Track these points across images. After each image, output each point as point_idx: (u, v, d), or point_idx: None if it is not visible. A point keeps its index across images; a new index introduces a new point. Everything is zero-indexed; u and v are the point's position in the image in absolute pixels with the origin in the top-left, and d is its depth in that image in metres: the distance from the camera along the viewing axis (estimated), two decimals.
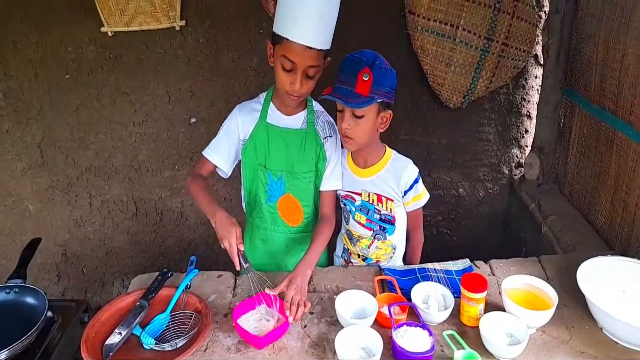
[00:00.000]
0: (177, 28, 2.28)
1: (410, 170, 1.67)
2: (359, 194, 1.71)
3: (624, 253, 1.73)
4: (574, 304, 1.46)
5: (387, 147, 1.72)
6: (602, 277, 1.47)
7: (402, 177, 1.66)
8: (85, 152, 2.54)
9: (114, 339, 1.30)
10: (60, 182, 2.58)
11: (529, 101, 2.51)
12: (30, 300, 1.42)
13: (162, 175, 2.61)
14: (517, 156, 2.63)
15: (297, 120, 1.66)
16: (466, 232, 2.78)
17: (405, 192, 1.68)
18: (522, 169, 2.58)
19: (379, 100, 1.51)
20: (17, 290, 1.44)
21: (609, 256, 1.54)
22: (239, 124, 1.65)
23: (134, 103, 2.46)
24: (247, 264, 1.44)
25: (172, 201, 2.68)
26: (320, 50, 1.45)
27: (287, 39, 1.43)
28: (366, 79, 1.46)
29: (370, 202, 1.70)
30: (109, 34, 2.27)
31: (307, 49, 1.42)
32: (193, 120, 2.50)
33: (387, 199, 1.68)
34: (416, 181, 1.68)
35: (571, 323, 1.40)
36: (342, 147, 1.71)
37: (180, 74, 2.40)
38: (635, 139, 1.71)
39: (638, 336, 1.27)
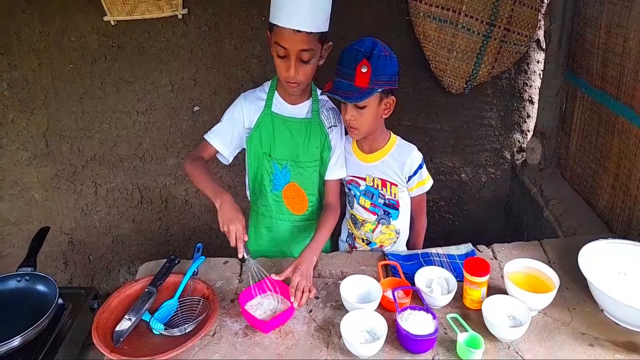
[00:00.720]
0: (180, 16, 2.27)
1: (414, 155, 1.69)
2: (364, 179, 1.73)
3: (625, 236, 1.75)
4: (575, 287, 1.48)
5: (392, 133, 1.73)
6: (603, 259, 1.50)
7: (406, 162, 1.67)
8: (90, 141, 2.55)
9: (124, 324, 1.33)
10: (66, 171, 2.60)
11: (531, 86, 2.50)
12: (41, 287, 1.45)
13: (166, 163, 2.63)
14: (519, 141, 2.63)
15: (302, 110, 1.67)
16: (468, 216, 2.80)
17: (410, 178, 1.70)
18: (524, 153, 2.59)
19: (379, 90, 1.51)
20: (27, 278, 1.47)
21: (610, 239, 1.56)
22: (244, 112, 1.65)
23: (138, 92, 2.46)
24: (248, 255, 1.45)
25: (177, 189, 2.70)
26: (311, 33, 1.44)
27: (277, 25, 1.44)
28: (364, 71, 1.46)
29: (375, 186, 1.72)
30: (112, 23, 2.26)
31: (296, 33, 1.42)
32: (196, 108, 2.51)
33: (392, 184, 1.70)
34: (420, 167, 1.69)
35: (572, 305, 1.43)
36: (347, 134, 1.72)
37: (183, 63, 2.40)
38: (636, 123, 1.71)
39: (638, 317, 1.30)
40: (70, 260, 2.79)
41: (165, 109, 2.51)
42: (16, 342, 1.26)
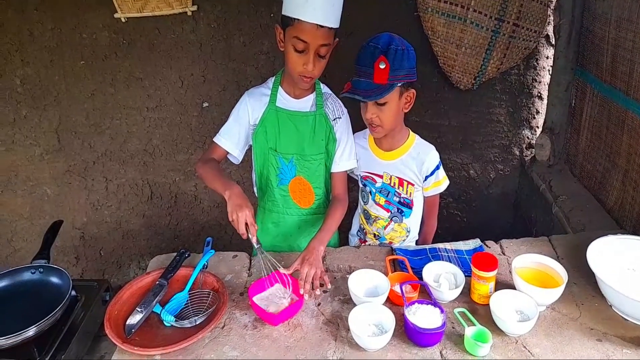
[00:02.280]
0: (189, 13, 2.29)
1: (432, 155, 1.69)
2: (381, 176, 1.73)
3: (634, 232, 1.74)
4: (583, 282, 1.48)
5: (411, 132, 1.73)
6: (611, 255, 1.49)
7: (425, 162, 1.68)
8: (101, 137, 2.58)
9: (136, 316, 1.35)
10: (77, 166, 2.64)
11: (540, 82, 2.49)
12: (54, 279, 1.48)
13: (176, 159, 2.66)
14: (528, 137, 2.63)
15: (306, 103, 1.68)
16: (477, 213, 2.80)
17: (427, 177, 1.70)
18: (533, 150, 2.58)
19: (399, 85, 1.52)
20: (42, 270, 1.50)
21: (619, 235, 1.55)
22: (249, 109, 1.67)
23: (148, 88, 2.49)
24: (259, 245, 1.46)
25: (186, 184, 2.73)
26: (331, 28, 1.46)
27: (298, 20, 1.44)
28: (383, 67, 1.46)
29: (392, 184, 1.72)
30: (122, 19, 2.29)
31: (319, 28, 1.43)
32: (205, 104, 2.53)
33: (409, 183, 1.70)
34: (437, 167, 1.70)
35: (581, 300, 1.42)
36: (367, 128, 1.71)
37: (192, 59, 2.43)
38: None
39: None
40: (81, 255, 2.83)
41: (175, 105, 2.53)
42: (31, 332, 1.28)
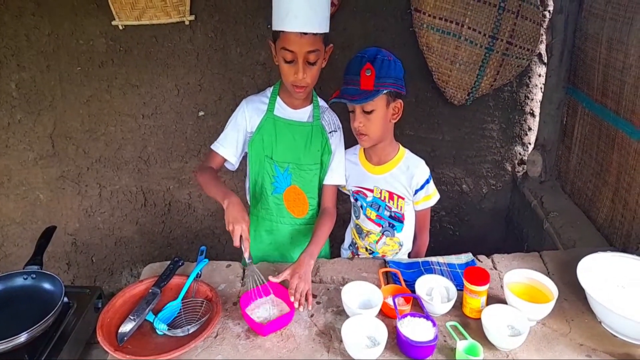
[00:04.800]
0: (187, 22, 2.31)
1: (422, 169, 1.71)
2: (371, 190, 1.75)
3: (624, 249, 1.76)
4: (574, 298, 1.50)
5: (400, 146, 1.76)
6: (601, 272, 1.51)
7: (414, 176, 1.70)
8: (96, 143, 2.58)
9: (128, 324, 1.35)
10: (71, 172, 2.63)
11: (532, 99, 2.53)
12: (47, 286, 1.47)
13: (171, 166, 2.66)
14: (520, 153, 2.66)
15: (303, 114, 1.70)
16: (469, 227, 2.82)
17: (416, 191, 1.72)
18: (525, 166, 2.62)
19: (384, 92, 1.55)
20: (34, 276, 1.49)
21: (609, 252, 1.58)
22: (247, 116, 1.69)
23: (144, 96, 2.50)
24: (250, 260, 1.48)
25: (180, 192, 2.72)
26: (317, 34, 1.49)
27: (282, 31, 1.48)
28: (369, 74, 1.50)
29: (382, 198, 1.74)
30: (120, 27, 2.30)
31: (303, 35, 1.47)
32: (201, 113, 2.54)
33: (399, 196, 1.72)
34: (427, 181, 1.71)
35: (571, 316, 1.44)
36: (358, 144, 1.75)
37: (189, 68, 2.44)
38: (636, 138, 1.74)
39: (636, 330, 1.31)
40: (73, 261, 2.81)
41: (171, 113, 2.54)
42: (22, 338, 1.28)
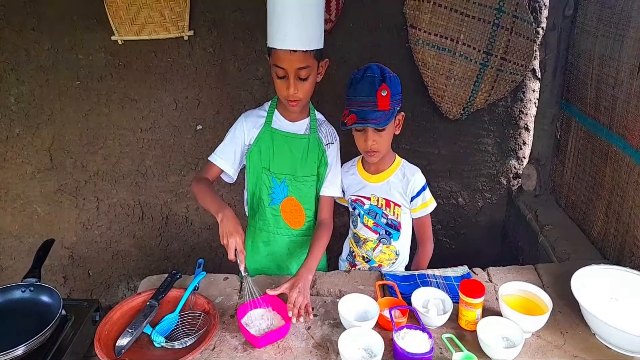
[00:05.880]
0: (186, 38, 2.34)
1: (417, 177, 1.74)
2: (369, 198, 1.77)
3: (617, 262, 1.78)
4: (568, 311, 1.51)
5: (397, 155, 1.79)
6: (595, 285, 1.53)
7: (410, 183, 1.73)
8: (94, 156, 2.59)
9: (126, 337, 1.35)
10: (69, 185, 2.64)
11: (526, 114, 2.57)
12: (45, 298, 1.47)
13: (168, 180, 2.67)
14: (514, 167, 2.69)
15: (300, 127, 1.73)
16: (465, 240, 2.84)
17: (413, 199, 1.74)
18: (520, 179, 2.64)
19: (397, 109, 1.59)
20: (32, 289, 1.49)
21: (602, 265, 1.59)
22: (245, 129, 1.72)
23: (142, 110, 2.52)
24: (246, 273, 1.49)
25: (178, 206, 2.73)
26: (307, 51, 1.52)
27: (274, 48, 1.53)
28: (385, 94, 1.54)
29: (379, 206, 1.76)
30: (119, 42, 2.33)
31: (292, 53, 1.51)
32: (199, 127, 2.56)
33: (395, 204, 1.75)
34: (424, 188, 1.75)
35: (565, 328, 1.45)
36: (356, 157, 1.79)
37: (187, 82, 2.47)
38: (628, 153, 1.77)
39: (629, 342, 1.33)
40: (69, 275, 2.80)
41: (169, 127, 2.56)
42: (20, 350, 1.27)
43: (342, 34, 2.37)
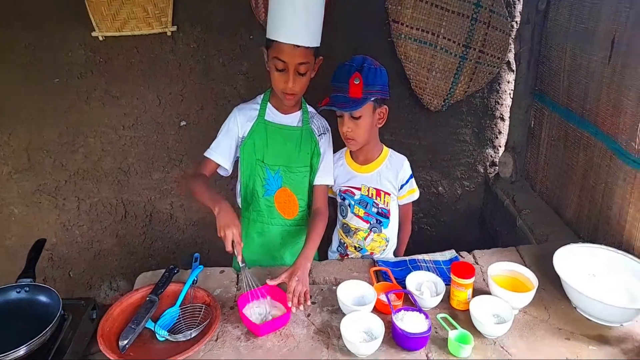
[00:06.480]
0: (169, 33, 2.33)
1: (405, 166, 1.82)
2: (359, 189, 1.83)
3: (592, 241, 1.89)
4: (550, 288, 1.60)
5: (385, 146, 1.85)
6: (574, 262, 1.63)
7: (399, 172, 1.80)
8: (74, 155, 2.55)
9: (129, 332, 1.36)
10: (48, 185, 2.59)
11: (502, 104, 2.67)
12: (43, 298, 1.46)
13: (152, 177, 2.65)
14: (491, 156, 2.79)
15: (293, 119, 1.77)
16: (445, 227, 2.93)
17: (402, 186, 1.81)
18: (497, 167, 2.75)
19: (372, 99, 1.64)
20: (27, 289, 1.48)
21: (580, 244, 1.70)
22: (238, 123, 1.74)
23: (124, 106, 2.49)
24: (244, 264, 1.52)
25: (162, 203, 2.72)
26: (309, 47, 1.57)
27: (277, 41, 1.56)
28: (357, 82, 1.59)
29: (370, 196, 1.82)
30: (100, 38, 2.30)
31: (296, 48, 1.55)
32: (183, 123, 2.55)
33: (385, 193, 1.81)
34: (411, 176, 1.83)
35: (549, 304, 1.55)
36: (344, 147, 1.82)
37: (171, 78, 2.45)
38: (600, 139, 1.88)
39: (607, 312, 1.43)
40: (49, 277, 2.75)
41: (152, 124, 2.54)
42: (21, 351, 1.27)
43: (328, 30, 2.38)
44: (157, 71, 2.43)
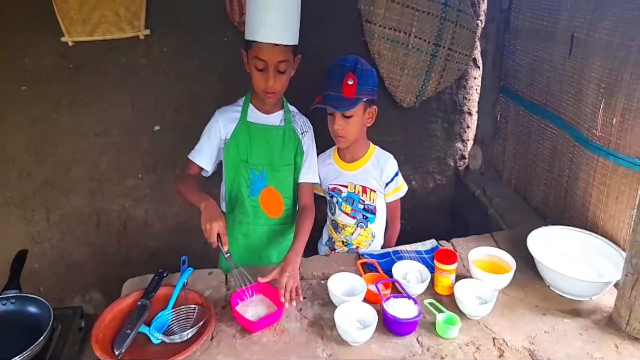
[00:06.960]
0: (142, 37, 2.29)
1: (391, 163, 1.87)
2: (346, 186, 1.87)
3: (560, 224, 2.01)
4: (525, 269, 1.70)
5: (371, 143, 1.91)
6: (546, 243, 1.74)
7: (385, 170, 1.85)
8: (42, 165, 2.47)
9: (124, 337, 1.35)
10: (14, 198, 2.50)
11: (470, 100, 2.78)
12: (32, 309, 1.43)
13: (125, 184, 2.60)
14: (460, 149, 2.90)
15: (275, 119, 1.80)
16: (418, 220, 3.00)
17: (387, 184, 1.87)
18: (466, 160, 2.87)
19: (364, 100, 1.69)
20: (13, 301, 1.45)
21: (551, 226, 1.82)
22: (220, 125, 1.76)
23: (95, 113, 2.43)
24: (229, 254, 1.53)
25: (136, 210, 2.67)
26: (287, 45, 1.62)
27: (256, 42, 1.59)
28: (351, 83, 1.64)
29: (356, 193, 1.87)
30: (69, 43, 2.25)
31: (275, 46, 1.59)
32: (157, 128, 2.52)
33: (371, 190, 1.86)
34: (396, 174, 1.88)
35: (525, 284, 1.65)
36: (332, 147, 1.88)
37: (144, 83, 2.42)
38: (563, 128, 2.00)
39: (579, 288, 1.55)
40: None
41: (124, 130, 2.49)
42: None
43: (305, 30, 2.39)
44: (129, 76, 2.39)
